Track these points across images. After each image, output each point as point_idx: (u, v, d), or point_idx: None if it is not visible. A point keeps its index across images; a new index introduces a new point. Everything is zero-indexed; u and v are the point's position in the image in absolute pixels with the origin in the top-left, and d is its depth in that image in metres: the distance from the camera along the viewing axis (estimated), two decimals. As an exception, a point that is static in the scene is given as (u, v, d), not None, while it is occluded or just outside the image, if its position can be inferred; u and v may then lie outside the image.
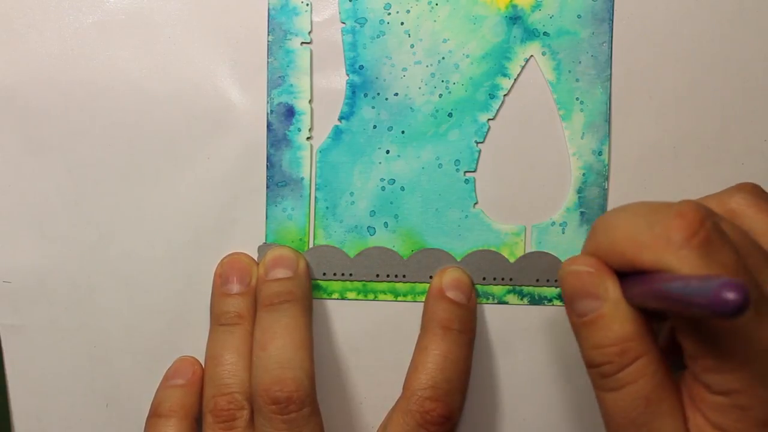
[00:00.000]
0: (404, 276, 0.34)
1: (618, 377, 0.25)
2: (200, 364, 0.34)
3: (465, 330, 0.32)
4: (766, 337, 0.23)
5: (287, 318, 0.31)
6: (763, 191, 0.27)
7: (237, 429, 0.31)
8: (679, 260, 0.23)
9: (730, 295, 0.20)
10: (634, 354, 0.25)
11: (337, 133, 0.34)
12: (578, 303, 0.26)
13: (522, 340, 0.34)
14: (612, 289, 0.25)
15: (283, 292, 0.32)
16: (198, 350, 0.34)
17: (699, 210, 0.24)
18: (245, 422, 0.31)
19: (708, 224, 0.23)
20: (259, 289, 0.33)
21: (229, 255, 0.34)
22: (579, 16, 0.33)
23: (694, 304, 0.21)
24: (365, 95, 0.34)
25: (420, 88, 0.34)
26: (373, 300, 0.34)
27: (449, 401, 0.30)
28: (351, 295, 0.34)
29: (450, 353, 0.31)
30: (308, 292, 0.33)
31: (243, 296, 0.33)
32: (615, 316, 0.25)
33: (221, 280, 0.33)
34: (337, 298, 0.34)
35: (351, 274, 0.34)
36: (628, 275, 0.25)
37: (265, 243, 0.34)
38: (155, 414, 0.32)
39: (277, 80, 0.34)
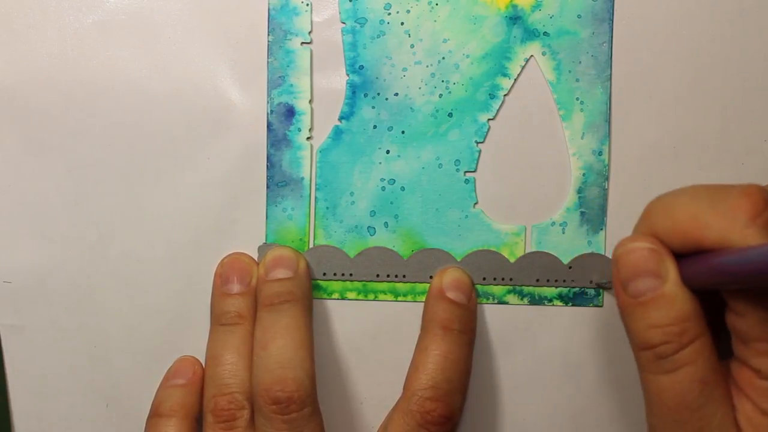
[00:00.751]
0: (404, 276, 0.34)
1: (676, 358, 0.25)
2: (201, 364, 0.34)
3: (465, 330, 0.32)
4: None
5: (287, 318, 0.31)
6: None
7: (237, 429, 0.31)
8: (744, 238, 0.23)
9: None
10: (693, 334, 0.25)
11: (338, 133, 0.34)
12: (636, 282, 0.26)
13: (522, 340, 0.34)
14: (672, 268, 0.26)
15: (284, 292, 0.32)
16: (198, 350, 0.34)
17: (765, 191, 0.24)
18: (246, 422, 0.31)
19: None
20: (260, 289, 0.33)
21: (229, 255, 0.34)
22: (579, 16, 0.33)
23: (757, 272, 0.21)
24: (365, 95, 0.34)
25: (420, 88, 0.34)
26: (374, 300, 0.34)
27: (450, 401, 0.30)
28: (351, 295, 0.34)
29: (450, 353, 0.31)
30: (308, 292, 0.33)
31: (243, 296, 0.33)
32: (677, 295, 0.25)
33: (221, 279, 0.33)
34: (338, 298, 0.34)
35: (351, 274, 0.34)
36: (683, 257, 0.25)
37: (265, 243, 0.34)
38: (156, 414, 0.32)
39: (277, 80, 0.34)
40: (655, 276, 0.26)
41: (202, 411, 0.32)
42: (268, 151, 0.34)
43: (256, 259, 0.34)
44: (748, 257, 0.22)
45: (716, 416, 0.24)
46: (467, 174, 0.34)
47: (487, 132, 0.34)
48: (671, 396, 0.25)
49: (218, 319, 0.33)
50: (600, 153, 0.34)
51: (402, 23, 0.33)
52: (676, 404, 0.25)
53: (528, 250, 0.34)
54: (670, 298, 0.25)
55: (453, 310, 0.32)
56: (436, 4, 0.33)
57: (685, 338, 0.25)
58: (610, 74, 0.34)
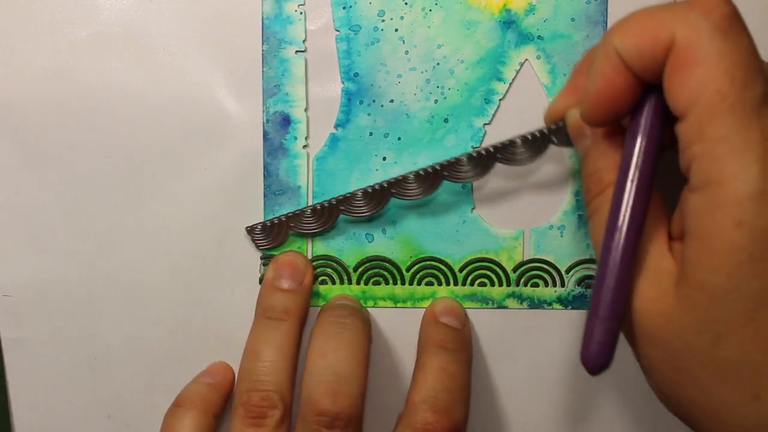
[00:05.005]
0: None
1: (591, 204, 0.28)
2: (233, 371, 0.34)
3: (460, 350, 0.32)
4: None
5: (352, 333, 0.31)
6: None
7: (266, 427, 0.30)
8: (697, 32, 0.23)
9: None
10: (604, 184, 0.27)
11: (334, 140, 0.34)
12: (577, 140, 0.29)
13: (522, 344, 0.34)
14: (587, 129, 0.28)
15: (350, 310, 0.32)
16: (199, 360, 0.34)
17: None
18: (275, 422, 0.30)
19: (732, 5, 0.24)
20: (330, 301, 0.33)
21: (284, 252, 0.34)
22: (573, 20, 0.33)
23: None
24: (361, 102, 0.34)
25: (415, 94, 0.34)
26: (373, 306, 0.34)
27: (451, 412, 0.30)
28: (350, 302, 0.34)
29: (448, 366, 0.31)
30: (369, 321, 0.33)
31: (294, 293, 0.32)
32: (593, 152, 0.28)
33: (273, 274, 0.33)
34: (337, 306, 0.34)
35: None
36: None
37: (264, 253, 0.34)
38: (177, 404, 0.33)
39: (272, 89, 0.34)
40: (584, 136, 0.28)
41: (223, 409, 0.33)
42: (264, 160, 0.34)
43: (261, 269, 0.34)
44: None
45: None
46: (464, 179, 0.34)
47: (483, 137, 0.34)
48: (593, 240, 0.28)
49: (264, 312, 0.32)
50: (596, 156, 0.34)
51: (396, 30, 0.33)
52: (597, 244, 0.27)
53: (526, 254, 0.34)
54: (590, 154, 0.28)
55: (447, 332, 0.32)
56: (430, 10, 0.33)
57: (596, 188, 0.27)
58: (605, 77, 0.34)
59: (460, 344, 0.32)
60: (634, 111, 0.26)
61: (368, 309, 0.34)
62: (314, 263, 0.34)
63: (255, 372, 0.31)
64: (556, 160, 0.34)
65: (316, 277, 0.34)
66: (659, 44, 0.24)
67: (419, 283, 0.34)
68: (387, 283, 0.34)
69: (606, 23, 0.33)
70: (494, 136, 0.34)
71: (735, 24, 0.23)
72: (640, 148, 0.26)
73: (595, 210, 0.28)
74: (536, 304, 0.34)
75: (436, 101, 0.34)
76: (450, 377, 0.31)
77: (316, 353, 0.30)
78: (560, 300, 0.34)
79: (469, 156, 0.31)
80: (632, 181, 0.26)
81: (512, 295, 0.34)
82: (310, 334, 0.32)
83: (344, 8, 0.33)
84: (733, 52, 0.23)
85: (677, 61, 0.23)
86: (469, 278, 0.34)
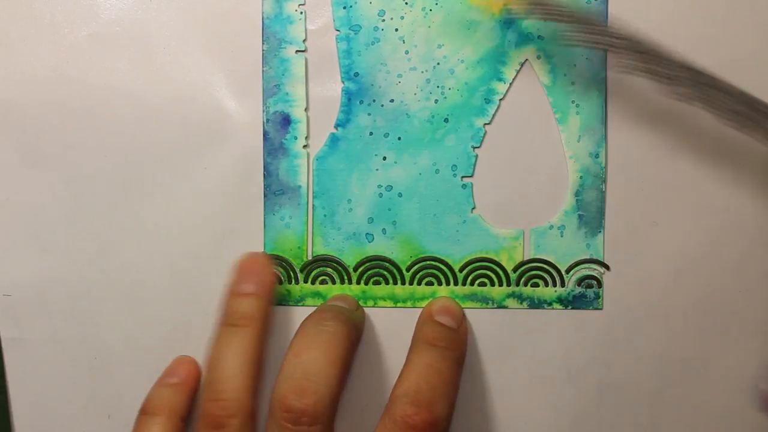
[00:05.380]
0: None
1: None
2: (197, 365, 0.34)
3: (452, 348, 0.32)
4: None
5: (329, 335, 0.31)
6: None
7: None
8: None
9: None
10: None
11: (334, 140, 0.34)
12: None
13: (522, 344, 0.34)
14: None
15: (334, 313, 0.32)
16: (199, 359, 0.34)
17: None
18: (235, 430, 0.30)
19: None
20: (325, 302, 0.33)
21: (246, 254, 0.33)
22: (573, 19, 0.33)
23: None
24: (361, 102, 0.34)
25: (415, 94, 0.34)
26: (373, 306, 0.34)
27: (432, 407, 0.30)
28: (350, 302, 0.34)
29: (434, 362, 0.31)
30: (357, 323, 0.33)
31: (256, 297, 0.32)
32: None
33: (235, 279, 0.33)
34: (337, 306, 0.34)
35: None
36: None
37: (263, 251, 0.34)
38: (143, 411, 0.32)
39: (272, 89, 0.34)
40: None
41: (190, 409, 0.33)
42: (264, 159, 0.34)
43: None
44: None
45: None
46: (464, 179, 0.34)
47: (484, 137, 0.34)
48: None
49: (226, 319, 0.32)
50: (597, 155, 0.34)
51: (396, 29, 0.33)
52: None
53: (527, 254, 0.34)
54: None
55: (440, 330, 0.32)
56: (430, 10, 0.33)
57: None
58: (606, 76, 0.34)
59: (452, 343, 0.32)
60: None
61: (368, 309, 0.34)
62: (314, 263, 0.34)
63: (214, 380, 0.31)
64: (556, 159, 0.34)
65: (315, 277, 0.34)
66: None
67: (419, 283, 0.34)
68: (387, 283, 0.34)
69: (606, 22, 0.33)
70: (495, 136, 0.34)
71: None
72: None
73: None
74: (536, 304, 0.34)
75: (436, 101, 0.34)
76: (436, 373, 0.31)
77: (291, 353, 0.30)
78: (560, 300, 0.34)
79: None
80: None
81: (512, 295, 0.34)
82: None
83: (344, 8, 0.33)
84: None
85: None
86: (469, 278, 0.34)
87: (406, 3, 0.33)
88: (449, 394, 0.31)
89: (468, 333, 0.34)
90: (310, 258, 0.34)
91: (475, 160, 0.34)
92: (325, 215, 0.34)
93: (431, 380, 0.30)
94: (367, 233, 0.34)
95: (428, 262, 0.34)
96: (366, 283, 0.34)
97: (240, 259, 0.33)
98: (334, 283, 0.34)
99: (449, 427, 0.31)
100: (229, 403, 0.30)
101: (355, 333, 0.32)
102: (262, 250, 0.34)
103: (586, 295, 0.34)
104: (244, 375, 0.31)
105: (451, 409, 0.31)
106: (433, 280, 0.34)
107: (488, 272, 0.34)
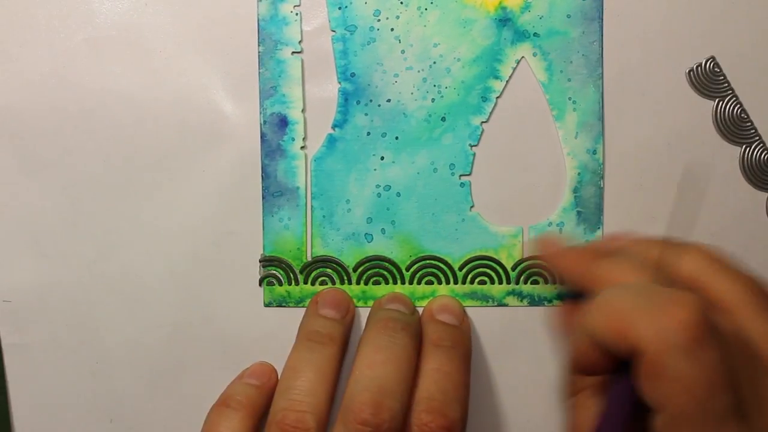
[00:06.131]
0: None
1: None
2: (277, 374, 0.34)
3: (457, 346, 0.32)
4: None
5: (400, 348, 0.31)
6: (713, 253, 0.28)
7: None
8: (663, 349, 0.24)
9: None
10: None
11: (331, 141, 0.34)
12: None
13: (523, 342, 0.34)
14: None
15: (405, 324, 0.32)
16: (200, 362, 0.34)
17: (699, 306, 0.24)
18: None
19: (702, 316, 0.24)
20: (383, 302, 0.33)
21: (328, 289, 0.34)
22: (568, 16, 0.33)
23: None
24: (358, 102, 0.34)
25: (412, 93, 0.34)
26: (373, 306, 0.34)
27: (446, 412, 0.30)
28: (351, 302, 0.34)
29: (443, 366, 0.31)
30: (419, 333, 0.33)
31: (338, 322, 0.33)
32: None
33: (318, 303, 0.33)
34: (337, 306, 0.34)
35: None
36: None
37: (262, 255, 0.34)
38: (224, 404, 0.32)
39: (269, 91, 0.34)
40: None
41: (265, 414, 0.32)
42: (262, 161, 0.34)
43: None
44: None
45: None
46: (462, 177, 0.34)
47: (481, 135, 0.34)
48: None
49: (307, 335, 0.32)
50: (594, 152, 0.34)
51: (392, 29, 0.33)
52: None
53: (526, 252, 0.34)
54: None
55: (444, 329, 0.32)
56: (426, 9, 0.33)
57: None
58: (602, 73, 0.34)
59: (456, 340, 0.32)
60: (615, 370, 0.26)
61: (368, 309, 0.34)
62: (314, 264, 0.34)
63: (293, 390, 0.31)
64: (553, 156, 0.34)
65: (315, 278, 0.34)
66: (627, 344, 0.25)
67: (419, 282, 0.34)
68: (387, 283, 0.34)
69: (602, 19, 0.33)
70: (492, 134, 0.34)
71: (701, 341, 0.24)
72: (611, 412, 0.26)
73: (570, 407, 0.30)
74: (536, 301, 0.34)
75: (433, 100, 0.34)
76: (445, 377, 0.31)
77: (363, 363, 0.30)
78: (560, 297, 0.34)
79: None
80: None
81: (512, 292, 0.34)
82: (359, 342, 0.31)
83: (340, 8, 0.33)
84: (695, 371, 0.23)
85: (647, 370, 0.24)
86: (469, 276, 0.34)
87: (402, 2, 0.33)
88: (461, 396, 0.31)
89: (471, 328, 0.34)
90: (309, 259, 0.34)
91: (473, 159, 0.34)
92: (323, 216, 0.34)
93: (441, 384, 0.30)
94: (366, 233, 0.34)
95: (428, 261, 0.34)
96: (366, 284, 0.34)
97: (322, 291, 0.34)
98: (333, 283, 0.34)
99: (465, 427, 0.31)
100: (307, 416, 0.30)
101: (419, 345, 0.32)
102: (262, 252, 0.34)
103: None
104: (324, 390, 0.31)
105: (465, 410, 0.31)
106: (433, 279, 0.34)
107: (488, 270, 0.34)
